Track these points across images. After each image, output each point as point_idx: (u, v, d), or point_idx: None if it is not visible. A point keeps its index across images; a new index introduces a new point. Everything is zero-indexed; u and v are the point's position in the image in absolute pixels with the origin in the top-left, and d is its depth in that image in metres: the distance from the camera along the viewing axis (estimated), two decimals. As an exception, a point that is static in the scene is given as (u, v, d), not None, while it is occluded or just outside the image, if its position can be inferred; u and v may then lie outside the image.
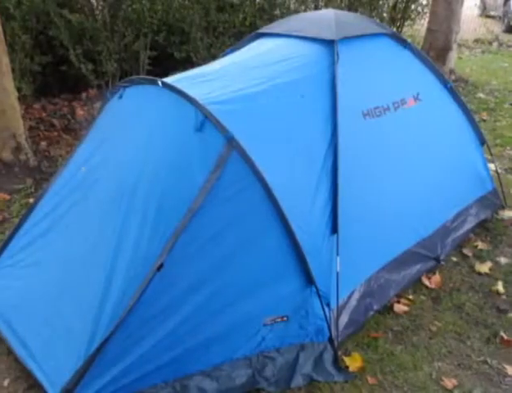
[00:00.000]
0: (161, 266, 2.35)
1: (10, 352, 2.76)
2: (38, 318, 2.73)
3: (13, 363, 2.75)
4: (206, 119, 2.54)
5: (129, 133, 2.92)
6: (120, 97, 3.09)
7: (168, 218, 2.47)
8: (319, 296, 2.68)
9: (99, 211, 2.80)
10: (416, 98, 3.67)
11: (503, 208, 4.34)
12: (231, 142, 2.48)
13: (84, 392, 2.31)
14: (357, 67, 3.31)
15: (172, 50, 6.48)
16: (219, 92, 2.76)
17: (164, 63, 6.49)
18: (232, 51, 3.76)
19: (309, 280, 2.65)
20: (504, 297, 3.37)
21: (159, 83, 2.77)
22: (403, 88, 3.64)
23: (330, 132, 2.98)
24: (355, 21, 3.62)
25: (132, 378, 2.41)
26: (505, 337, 3.00)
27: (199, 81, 2.93)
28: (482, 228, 4.11)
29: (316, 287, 2.65)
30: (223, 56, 3.78)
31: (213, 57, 5.16)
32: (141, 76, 3.01)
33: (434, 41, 7.99)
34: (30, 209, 3.20)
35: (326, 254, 2.79)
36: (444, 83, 3.97)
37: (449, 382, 2.71)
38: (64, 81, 6.44)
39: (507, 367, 2.82)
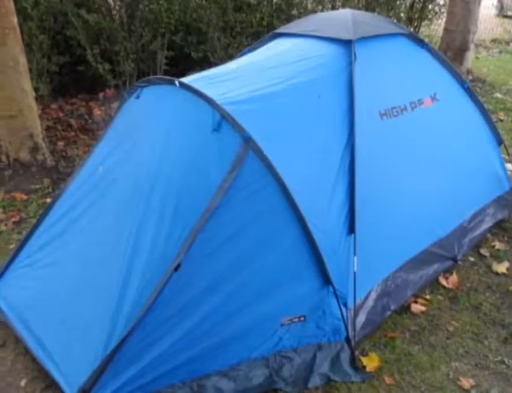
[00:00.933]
0: (178, 266, 2.35)
1: (27, 352, 2.78)
2: (55, 318, 2.74)
3: (30, 364, 2.76)
4: (223, 119, 2.54)
5: (146, 132, 2.92)
6: (137, 96, 3.09)
7: (185, 218, 2.47)
8: (336, 296, 2.67)
9: (116, 211, 2.81)
10: (433, 98, 3.64)
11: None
12: (248, 142, 2.48)
13: (101, 392, 2.31)
14: (374, 67, 3.29)
15: (189, 50, 6.49)
16: (236, 92, 2.76)
17: (181, 63, 6.52)
18: (250, 51, 3.75)
19: (326, 280, 2.64)
20: (522, 298, 3.34)
21: (177, 83, 2.77)
22: (420, 88, 3.61)
23: (347, 132, 2.96)
24: (372, 21, 3.60)
25: (149, 378, 2.41)
26: None
27: (217, 81, 2.93)
28: (500, 228, 4.08)
29: (333, 287, 2.65)
30: (240, 56, 3.77)
31: (231, 57, 5.16)
32: (159, 76, 3.01)
33: (451, 41, 7.94)
34: (47, 209, 3.21)
35: (343, 254, 2.78)
36: (461, 83, 3.93)
37: (466, 382, 2.70)
38: (81, 81, 6.47)
39: (525, 367, 2.80)
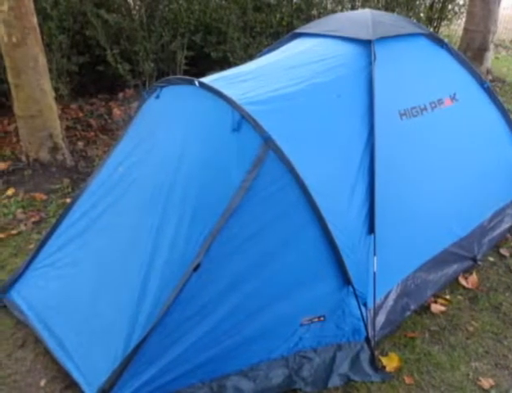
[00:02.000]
0: (198, 266, 2.36)
1: (47, 352, 2.80)
2: (75, 318, 2.76)
3: (50, 364, 2.78)
4: (243, 119, 2.54)
5: (166, 133, 2.93)
6: (157, 96, 3.09)
7: (204, 218, 2.47)
8: (356, 296, 2.66)
9: (136, 211, 2.81)
10: (453, 98, 3.61)
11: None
12: (267, 142, 2.47)
13: (121, 392, 2.33)
14: (393, 67, 3.27)
15: (208, 50, 6.50)
16: (256, 92, 2.75)
17: (201, 63, 6.52)
18: (269, 51, 3.75)
19: (346, 280, 2.64)
20: (543, 298, 3.31)
21: (196, 83, 2.77)
22: (440, 88, 3.58)
23: (367, 132, 2.94)
24: (391, 21, 3.57)
25: (169, 378, 2.42)
26: None
27: (236, 81, 2.92)
28: (519, 228, 4.04)
29: (352, 287, 2.64)
30: (260, 56, 3.77)
31: (250, 57, 5.16)
32: (178, 76, 3.01)
33: (471, 41, 7.89)
34: (67, 209, 3.23)
35: (363, 254, 2.76)
36: (481, 83, 3.89)
37: (486, 382, 2.68)
38: (100, 81, 6.50)
39: (545, 368, 2.78)
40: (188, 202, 2.56)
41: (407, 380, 2.69)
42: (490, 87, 3.94)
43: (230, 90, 2.68)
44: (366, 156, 2.90)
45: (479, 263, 3.55)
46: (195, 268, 2.36)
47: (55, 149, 4.95)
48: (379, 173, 2.84)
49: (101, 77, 6.35)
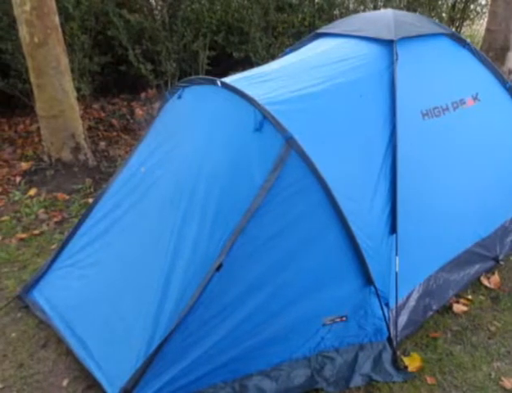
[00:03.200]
0: (220, 266, 2.36)
1: (69, 352, 2.82)
2: (98, 318, 2.77)
3: (72, 364, 2.80)
4: (265, 119, 2.53)
5: (188, 132, 2.94)
6: (179, 96, 3.10)
7: (227, 218, 2.48)
8: (378, 296, 2.65)
9: (158, 211, 2.82)
10: (475, 98, 3.58)
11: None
12: (289, 142, 2.47)
13: (143, 392, 2.34)
14: (416, 67, 3.24)
15: (231, 50, 6.51)
16: (278, 92, 2.74)
17: (223, 63, 6.53)
18: (291, 51, 3.74)
19: (368, 280, 2.63)
20: None
21: (218, 83, 2.77)
22: (462, 88, 3.55)
23: (389, 132, 2.93)
24: (414, 21, 3.55)
25: (191, 378, 2.42)
26: None
27: (258, 81, 2.91)
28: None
29: (374, 287, 2.63)
30: (282, 56, 3.76)
31: (272, 57, 5.16)
32: (200, 76, 3.01)
33: (493, 41, 7.79)
34: (89, 209, 3.26)
35: (385, 254, 2.75)
36: (503, 83, 3.86)
37: (508, 382, 2.66)
38: (123, 81, 6.53)
39: None
40: (210, 202, 2.56)
41: (429, 380, 2.67)
42: (512, 87, 3.90)
43: (252, 90, 2.67)
44: (388, 156, 2.89)
45: (501, 263, 3.52)
46: (218, 268, 2.36)
47: (77, 149, 4.97)
48: (401, 174, 2.83)
49: (123, 77, 6.38)
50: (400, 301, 2.82)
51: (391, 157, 2.88)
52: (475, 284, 3.36)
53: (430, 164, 3.16)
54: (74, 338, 2.79)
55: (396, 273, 2.75)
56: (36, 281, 3.24)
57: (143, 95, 6.50)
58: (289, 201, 2.52)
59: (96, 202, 3.24)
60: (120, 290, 2.77)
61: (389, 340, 2.75)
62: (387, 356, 2.73)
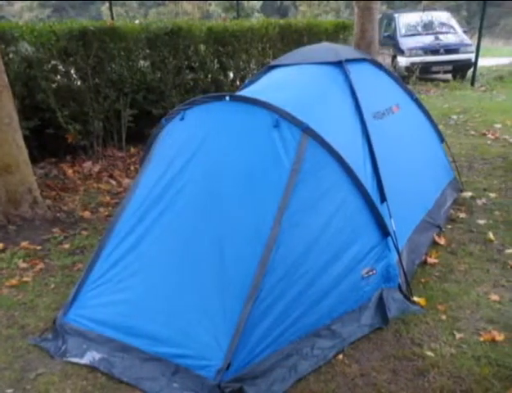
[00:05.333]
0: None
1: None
2: (160, 316, 2.83)
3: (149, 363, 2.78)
4: (280, 117, 2.97)
5: (203, 144, 3.15)
6: (182, 118, 3.32)
7: (268, 197, 2.82)
8: (394, 246, 3.19)
9: (192, 212, 3.02)
10: (398, 106, 4.36)
11: (461, 191, 5.18)
12: (306, 131, 2.93)
13: (240, 361, 2.52)
14: (360, 81, 3.88)
15: (150, 108, 6.82)
16: (277, 99, 3.11)
17: (143, 120, 6.79)
18: (250, 83, 4.23)
19: (385, 232, 3.16)
20: (496, 242, 4.13)
21: (227, 97, 3.12)
22: (389, 99, 4.32)
23: (360, 126, 3.56)
24: (346, 49, 4.32)
25: (273, 338, 2.65)
26: (510, 262, 3.78)
27: (257, 94, 3.24)
28: (457, 204, 4.91)
29: (391, 237, 3.16)
30: (242, 88, 4.24)
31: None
32: (207, 95, 3.29)
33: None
34: (107, 233, 3.27)
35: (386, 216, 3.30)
36: (410, 95, 4.74)
37: (495, 296, 3.34)
38: (46, 145, 6.46)
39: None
40: (247, 191, 2.91)
41: (440, 307, 3.24)
42: (418, 98, 4.78)
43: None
44: (364, 144, 3.51)
45: (443, 229, 4.27)
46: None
47: (35, 203, 4.90)
48: (377, 155, 3.45)
49: (48, 140, 6.32)
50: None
51: (367, 143, 3.50)
52: (433, 245, 4.07)
53: (386, 154, 3.80)
54: (140, 340, 2.80)
55: (394, 232, 3.28)
56: (68, 308, 3.14)
57: (69, 157, 6.54)
58: (318, 177, 2.98)
59: (113, 226, 3.26)
60: (178, 283, 2.87)
61: (399, 286, 3.27)
62: (401, 297, 3.24)
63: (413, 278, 3.54)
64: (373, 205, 3.12)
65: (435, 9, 16.52)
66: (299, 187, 2.86)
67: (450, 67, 14.01)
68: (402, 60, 13.96)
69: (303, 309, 2.78)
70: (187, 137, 3.27)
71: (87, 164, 6.23)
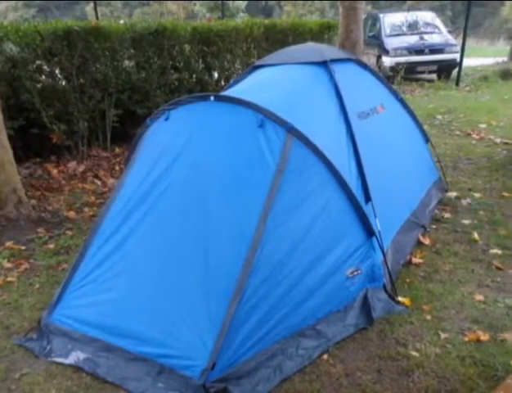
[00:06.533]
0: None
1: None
2: (144, 316, 2.81)
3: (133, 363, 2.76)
4: (265, 117, 2.95)
5: (188, 143, 3.12)
6: (167, 118, 3.30)
7: (252, 197, 2.81)
8: (379, 246, 3.19)
9: (177, 212, 3.00)
10: (382, 106, 4.37)
11: (446, 191, 5.19)
12: (291, 131, 2.92)
13: (225, 361, 2.51)
14: (345, 81, 3.87)
15: (135, 107, 6.80)
16: (262, 99, 3.09)
17: (128, 120, 6.78)
18: (235, 83, 4.23)
19: (370, 232, 3.17)
20: (481, 242, 4.14)
21: (212, 97, 3.10)
22: (373, 99, 4.32)
23: (344, 126, 3.56)
24: (331, 49, 4.32)
25: (258, 338, 2.64)
26: (494, 263, 3.79)
27: (242, 94, 3.23)
28: (442, 204, 4.93)
29: (376, 237, 3.17)
30: (227, 88, 4.23)
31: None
32: (192, 95, 3.27)
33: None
34: (92, 234, 3.24)
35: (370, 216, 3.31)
36: (395, 95, 4.75)
37: (479, 296, 3.35)
38: (30, 145, 6.42)
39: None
40: (231, 190, 2.89)
41: (425, 307, 3.24)
42: (403, 98, 4.79)
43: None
44: (349, 143, 3.51)
45: (428, 229, 4.28)
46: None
47: (20, 203, 4.87)
48: (361, 156, 3.45)
49: (32, 141, 6.29)
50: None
51: (351, 143, 3.50)
52: (418, 245, 4.07)
53: (369, 153, 3.80)
54: (125, 340, 2.78)
55: (379, 232, 3.29)
56: (53, 308, 3.12)
57: (54, 157, 6.51)
58: (303, 177, 2.96)
59: (97, 226, 3.23)
60: (162, 283, 2.85)
61: (384, 285, 3.27)
62: (385, 296, 3.25)
63: (398, 278, 3.55)
64: (358, 205, 3.11)
65: (420, 9, 16.54)
66: (284, 187, 2.86)
67: (435, 67, 14.11)
68: (387, 60, 14.02)
69: (287, 309, 2.78)
70: (172, 137, 3.25)
71: (72, 164, 6.20)
